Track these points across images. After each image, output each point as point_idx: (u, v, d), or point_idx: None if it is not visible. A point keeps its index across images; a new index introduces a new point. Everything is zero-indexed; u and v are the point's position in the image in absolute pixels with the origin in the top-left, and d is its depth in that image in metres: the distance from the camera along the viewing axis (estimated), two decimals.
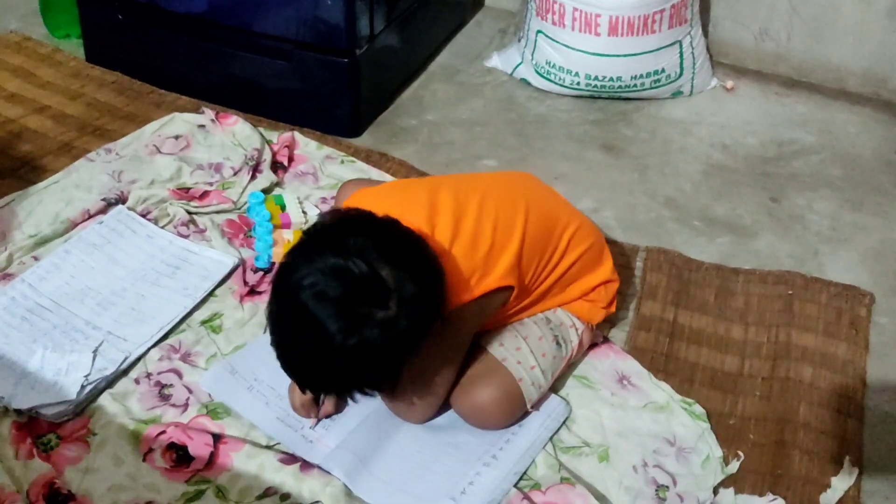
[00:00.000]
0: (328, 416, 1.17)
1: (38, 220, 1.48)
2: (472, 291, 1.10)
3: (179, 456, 1.13)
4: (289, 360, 1.03)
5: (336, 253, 0.97)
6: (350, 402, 1.15)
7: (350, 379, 1.01)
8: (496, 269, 1.11)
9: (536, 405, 1.20)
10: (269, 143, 1.72)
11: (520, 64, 2.01)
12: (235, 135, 1.72)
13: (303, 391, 1.11)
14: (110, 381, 1.22)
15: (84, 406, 1.18)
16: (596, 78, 1.90)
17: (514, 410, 1.17)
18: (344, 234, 1.00)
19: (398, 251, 1.00)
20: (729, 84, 2.04)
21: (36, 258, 1.41)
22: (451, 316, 1.07)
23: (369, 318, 0.96)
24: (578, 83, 1.92)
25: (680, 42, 1.90)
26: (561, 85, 1.94)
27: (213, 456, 1.13)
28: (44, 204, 1.51)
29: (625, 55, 1.86)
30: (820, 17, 2.03)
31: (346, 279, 0.96)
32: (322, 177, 1.67)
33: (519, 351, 1.19)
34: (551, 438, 1.19)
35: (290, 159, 1.70)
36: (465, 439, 1.17)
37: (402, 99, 1.96)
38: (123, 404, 1.19)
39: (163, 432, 1.15)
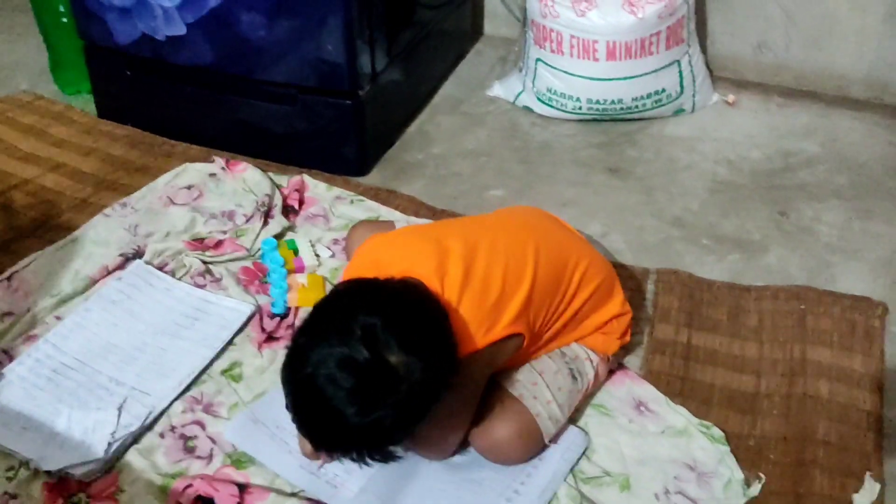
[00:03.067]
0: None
1: (60, 278, 1.52)
2: (482, 340, 1.11)
3: None
4: (306, 428, 1.06)
5: (342, 340, 0.99)
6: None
7: (364, 448, 1.04)
8: (503, 318, 1.13)
9: (555, 438, 1.21)
10: (279, 187, 1.75)
11: (521, 92, 2.04)
12: (246, 181, 1.75)
13: (317, 451, 1.13)
14: (136, 437, 1.24)
15: (112, 463, 1.21)
16: (597, 102, 1.92)
17: (533, 446, 1.18)
18: (352, 313, 1.01)
19: (408, 329, 1.01)
20: (730, 98, 2.06)
21: (58, 317, 1.44)
22: (461, 363, 1.08)
23: (381, 404, 0.99)
24: (580, 108, 1.94)
25: (678, 61, 1.92)
26: (563, 110, 1.97)
27: None
28: (64, 262, 1.55)
29: (624, 78, 1.89)
30: (817, 26, 2.04)
31: (354, 370, 0.98)
32: (333, 218, 1.70)
33: (535, 386, 1.20)
34: (572, 470, 1.20)
35: (301, 202, 1.73)
36: (486, 475, 1.18)
37: (407, 134, 1.99)
38: (150, 459, 1.21)
39: (189, 485, 1.17)
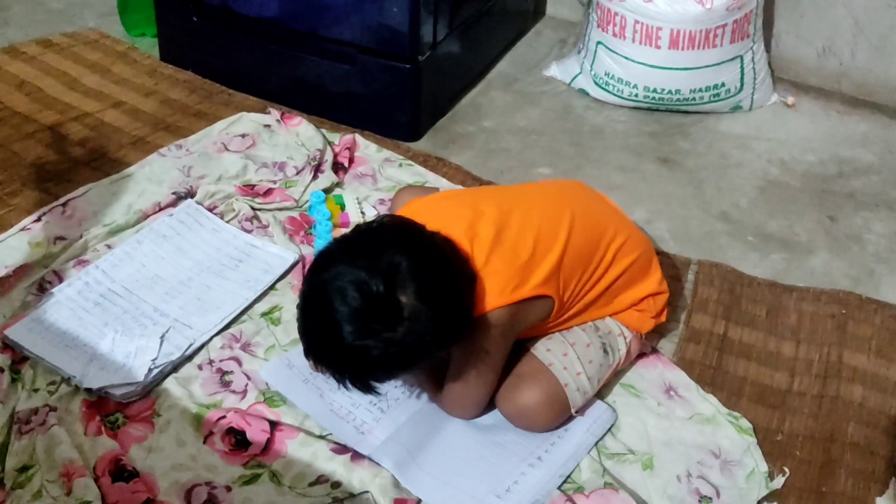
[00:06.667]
0: None
1: (113, 210, 1.56)
2: (510, 296, 1.12)
3: (238, 440, 1.18)
4: (304, 330, 1.10)
5: (367, 266, 1.03)
6: (395, 395, 1.20)
7: (347, 371, 1.08)
8: (532, 278, 1.14)
9: (582, 410, 1.22)
10: (330, 144, 1.77)
11: (578, 74, 2.03)
12: (299, 135, 1.78)
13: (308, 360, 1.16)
14: (175, 366, 1.28)
15: (150, 388, 1.24)
16: (655, 90, 1.91)
17: (558, 415, 1.19)
18: (384, 247, 1.05)
19: (428, 280, 1.04)
20: (790, 100, 2.03)
21: (109, 246, 1.48)
22: (484, 319, 1.11)
23: (376, 334, 1.03)
24: (637, 95, 1.93)
25: (741, 57, 1.90)
26: (619, 96, 1.96)
27: (269, 442, 1.18)
28: (118, 195, 1.59)
29: (685, 69, 1.87)
30: (886, 36, 2.00)
31: (366, 295, 1.02)
32: (381, 179, 1.71)
33: (566, 357, 1.21)
34: (596, 444, 1.21)
35: (351, 161, 1.75)
36: (511, 439, 1.20)
37: (460, 105, 2.00)
38: (187, 388, 1.25)
39: (223, 417, 1.20)
